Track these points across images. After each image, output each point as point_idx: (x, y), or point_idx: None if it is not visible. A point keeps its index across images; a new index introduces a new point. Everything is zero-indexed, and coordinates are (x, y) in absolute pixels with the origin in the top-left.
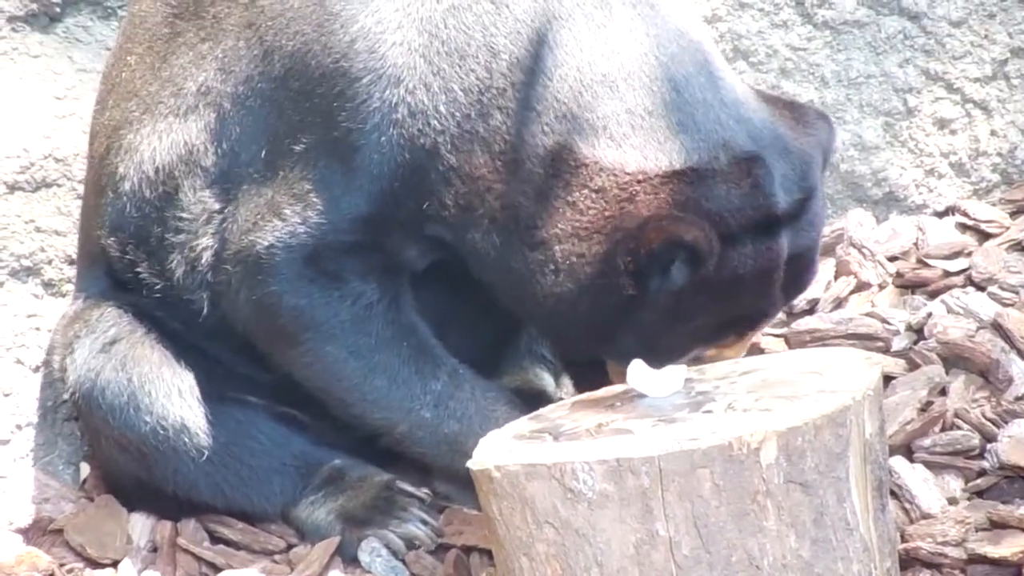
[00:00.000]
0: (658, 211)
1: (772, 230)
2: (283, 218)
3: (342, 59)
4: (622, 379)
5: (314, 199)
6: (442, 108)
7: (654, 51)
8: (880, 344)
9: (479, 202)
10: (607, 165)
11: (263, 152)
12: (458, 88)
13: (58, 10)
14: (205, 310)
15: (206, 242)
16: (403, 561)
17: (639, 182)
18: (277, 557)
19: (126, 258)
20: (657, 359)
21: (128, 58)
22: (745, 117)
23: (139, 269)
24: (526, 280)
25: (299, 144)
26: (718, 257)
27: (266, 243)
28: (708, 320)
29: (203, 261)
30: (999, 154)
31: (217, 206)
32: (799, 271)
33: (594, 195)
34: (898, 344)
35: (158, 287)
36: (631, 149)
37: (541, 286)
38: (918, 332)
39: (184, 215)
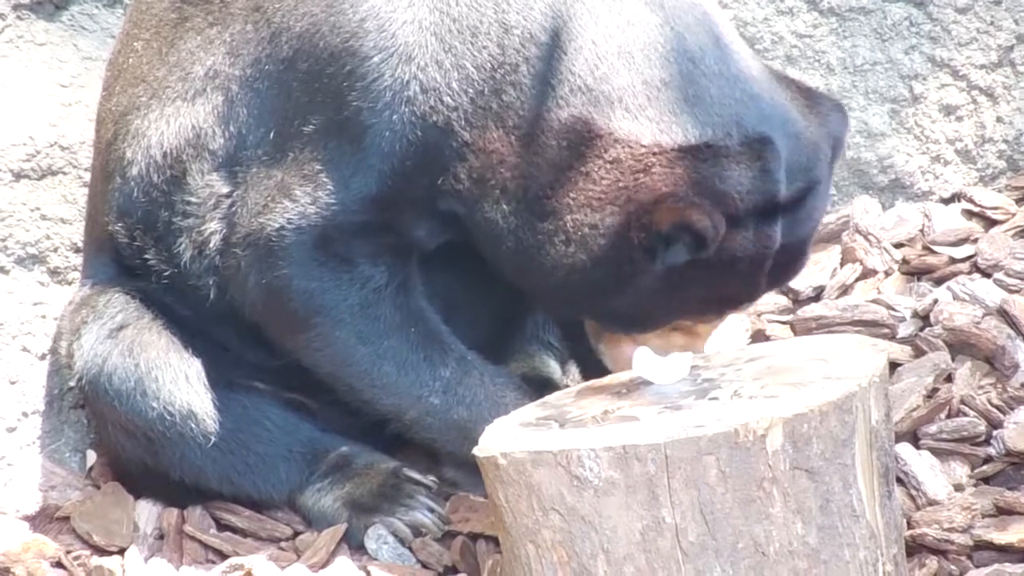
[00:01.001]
0: (674, 188)
1: (771, 216)
2: (293, 199)
3: (352, 38)
4: (598, 335)
5: (324, 179)
6: (455, 85)
7: (669, 22)
8: (886, 331)
9: (491, 174)
10: (622, 136)
11: (272, 134)
12: (470, 65)
13: None
14: (212, 295)
15: (214, 226)
16: (409, 548)
17: (655, 154)
18: (284, 544)
19: (134, 244)
20: (639, 327)
21: (135, 44)
22: (757, 94)
23: (147, 255)
24: (534, 250)
25: (308, 125)
26: (718, 242)
27: (276, 225)
28: (697, 295)
29: (211, 245)
30: (1005, 141)
31: (225, 190)
32: (788, 261)
33: (608, 166)
34: (904, 331)
35: (166, 273)
36: (647, 121)
37: (551, 256)
38: (924, 319)
39: (192, 199)
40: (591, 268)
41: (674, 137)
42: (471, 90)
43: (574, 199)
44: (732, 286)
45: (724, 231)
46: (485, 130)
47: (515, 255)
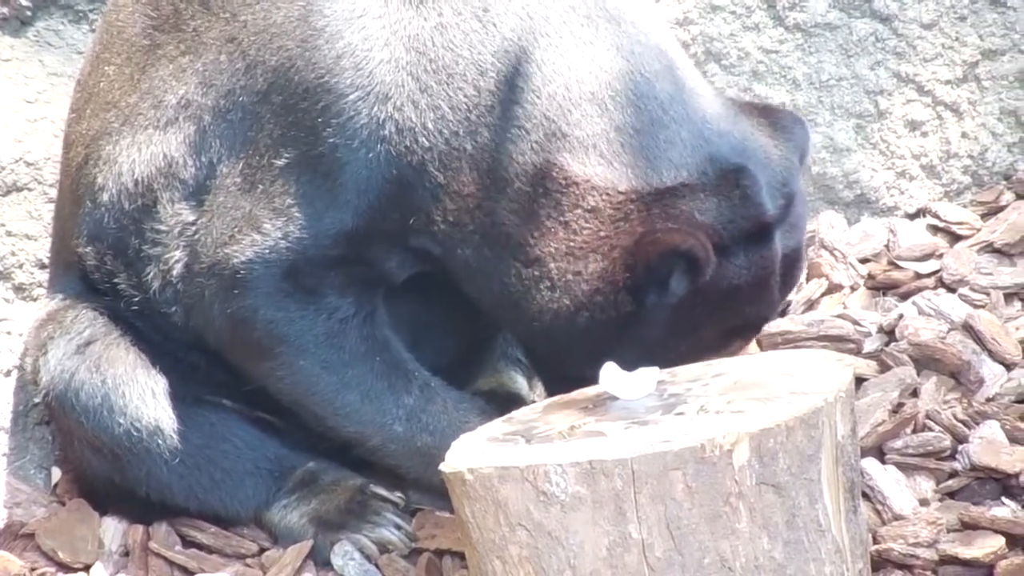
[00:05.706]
0: (651, 226)
1: (764, 238)
2: (263, 232)
3: (327, 75)
4: None
5: (296, 214)
6: (430, 125)
7: (639, 69)
8: (852, 346)
9: (468, 219)
10: (599, 184)
11: (241, 165)
12: (446, 106)
13: (29, 14)
14: (181, 322)
15: (178, 255)
16: (376, 565)
17: (632, 201)
18: (249, 561)
19: (104, 267)
20: None
21: (106, 68)
22: (727, 131)
23: (117, 280)
24: (520, 296)
25: (280, 159)
26: (714, 269)
27: (244, 257)
28: (709, 332)
29: (174, 273)
30: (970, 156)
31: (191, 218)
32: (790, 269)
33: (588, 215)
34: (870, 346)
35: (136, 299)
36: (622, 167)
37: (536, 302)
38: (889, 334)
39: (161, 227)
40: (575, 313)
41: (650, 181)
42: (446, 131)
43: (556, 248)
44: (746, 313)
45: (713, 255)
46: (459, 172)
47: (500, 299)
